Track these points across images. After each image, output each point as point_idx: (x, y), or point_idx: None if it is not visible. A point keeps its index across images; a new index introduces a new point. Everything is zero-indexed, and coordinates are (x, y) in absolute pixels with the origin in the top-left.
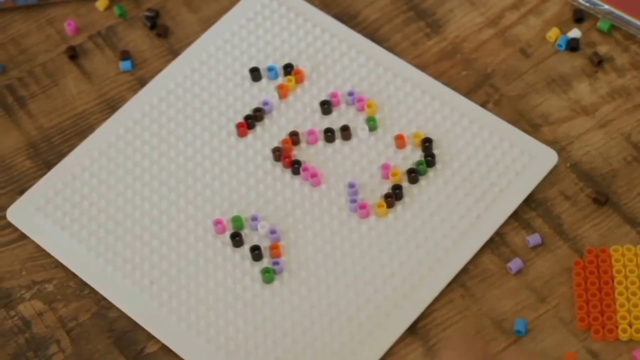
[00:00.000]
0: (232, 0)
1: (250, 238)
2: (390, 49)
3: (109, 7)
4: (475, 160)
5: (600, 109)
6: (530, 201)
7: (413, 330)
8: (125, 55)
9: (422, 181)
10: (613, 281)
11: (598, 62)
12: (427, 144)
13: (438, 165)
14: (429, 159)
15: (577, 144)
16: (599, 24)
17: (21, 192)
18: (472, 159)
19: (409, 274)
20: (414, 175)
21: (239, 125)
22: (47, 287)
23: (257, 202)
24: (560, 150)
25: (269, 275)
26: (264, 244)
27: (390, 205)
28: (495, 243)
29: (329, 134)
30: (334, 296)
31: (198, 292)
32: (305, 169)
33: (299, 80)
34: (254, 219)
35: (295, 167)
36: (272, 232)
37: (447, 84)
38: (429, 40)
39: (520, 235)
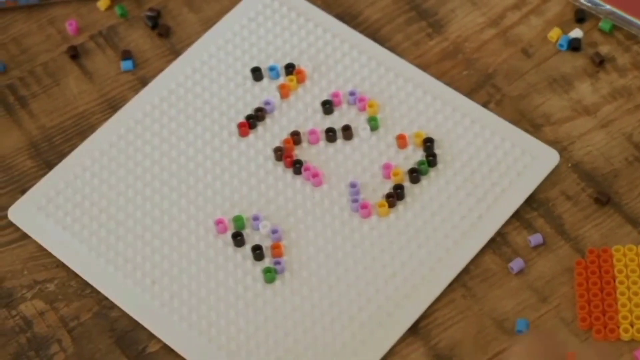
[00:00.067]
0: (233, 0)
1: (252, 238)
2: (392, 49)
3: (110, 7)
4: (476, 160)
5: (601, 109)
6: (531, 201)
7: (414, 330)
8: (126, 55)
9: (424, 181)
10: (614, 281)
11: (599, 62)
12: (428, 144)
13: (439, 165)
14: (431, 159)
15: (578, 144)
16: (600, 24)
17: (22, 191)
18: (473, 158)
19: (410, 273)
20: (415, 175)
21: (240, 125)
22: (48, 286)
23: (259, 202)
24: (561, 150)
25: (270, 275)
26: (266, 244)
27: (391, 205)
28: (497, 243)
29: (330, 133)
30: (336, 296)
31: (199, 292)
32: (306, 169)
33: (301, 80)
34: (256, 218)
35: (296, 166)
36: (274, 231)
37: (448, 84)
38: (431, 40)
39: (522, 235)
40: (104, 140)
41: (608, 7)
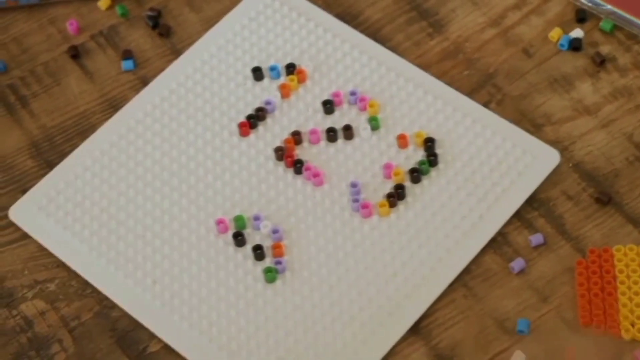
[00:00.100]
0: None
1: (253, 237)
2: (393, 49)
3: (111, 7)
4: (477, 160)
5: (602, 109)
6: (532, 201)
7: (415, 329)
8: (127, 55)
9: (425, 181)
10: (615, 281)
11: (600, 62)
12: (429, 144)
13: (440, 165)
14: (432, 159)
15: (579, 143)
16: (601, 24)
17: (23, 191)
18: (474, 158)
19: (411, 273)
20: (416, 174)
21: (241, 125)
22: (49, 286)
23: (260, 202)
24: (562, 150)
25: (271, 275)
26: (266, 244)
27: (392, 204)
28: (498, 243)
29: (331, 133)
30: (336, 296)
31: (200, 292)
32: (307, 169)
33: (301, 79)
34: (257, 218)
35: (297, 166)
36: (275, 231)
37: (449, 83)
38: (432, 40)
39: (523, 235)
40: (104, 140)
41: (609, 7)
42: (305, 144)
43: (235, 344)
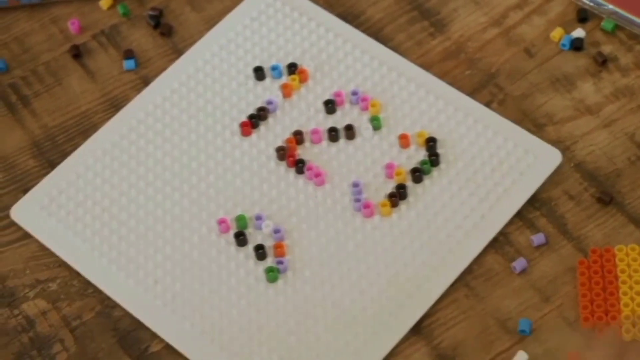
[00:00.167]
0: None
1: (254, 237)
2: (394, 49)
3: (112, 6)
4: (479, 160)
5: (604, 109)
6: (534, 201)
7: (417, 329)
8: (128, 55)
9: (426, 181)
10: (617, 280)
11: (602, 61)
12: (431, 144)
13: (442, 165)
14: (433, 159)
15: (581, 143)
16: (603, 23)
17: (25, 191)
18: (476, 158)
19: (413, 273)
20: (418, 174)
21: (242, 125)
22: (50, 286)
23: (261, 202)
24: (564, 150)
25: (272, 275)
26: (268, 243)
27: (394, 204)
28: (500, 243)
29: (332, 133)
30: (338, 295)
31: (202, 291)
32: (309, 168)
33: (303, 79)
34: (258, 218)
35: (299, 166)
36: (276, 231)
37: (451, 83)
38: (433, 40)
39: (525, 235)
40: (106, 139)
41: (610, 6)
42: (306, 143)
43: (236, 344)
